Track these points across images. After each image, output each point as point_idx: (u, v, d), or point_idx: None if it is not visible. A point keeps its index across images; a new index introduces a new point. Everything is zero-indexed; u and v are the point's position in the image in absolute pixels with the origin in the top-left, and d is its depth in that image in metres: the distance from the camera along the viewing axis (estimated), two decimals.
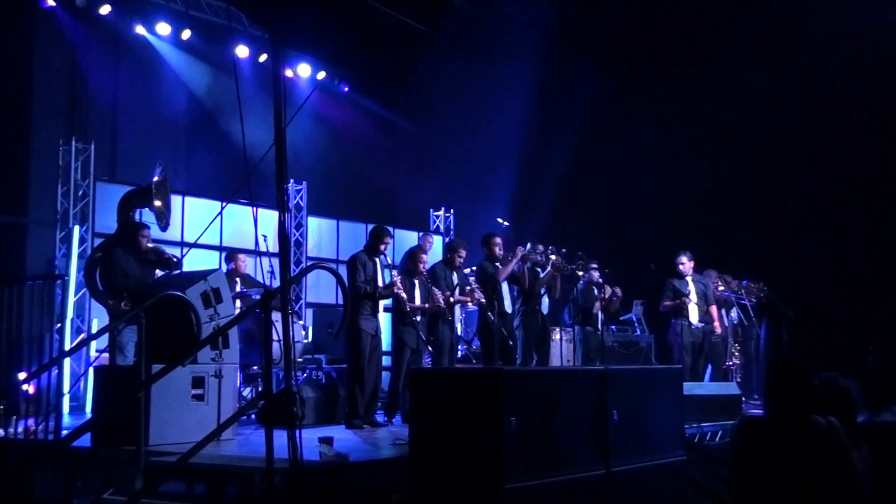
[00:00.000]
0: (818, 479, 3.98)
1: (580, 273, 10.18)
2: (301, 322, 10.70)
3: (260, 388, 8.27)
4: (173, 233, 10.76)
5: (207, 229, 9.08)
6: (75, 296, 10.30)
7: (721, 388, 9.12)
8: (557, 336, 11.07)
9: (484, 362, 9.45)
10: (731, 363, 11.23)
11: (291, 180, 12.91)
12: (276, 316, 5.67)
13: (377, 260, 8.39)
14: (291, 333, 4.61)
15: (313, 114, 13.84)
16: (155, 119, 12.37)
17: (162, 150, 11.83)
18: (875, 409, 4.80)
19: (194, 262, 10.14)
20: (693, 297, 10.26)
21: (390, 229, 8.93)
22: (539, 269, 9.68)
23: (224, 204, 10.29)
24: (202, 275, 7.08)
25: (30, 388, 6.82)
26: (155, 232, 8.65)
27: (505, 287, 9.32)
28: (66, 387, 9.06)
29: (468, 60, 13.95)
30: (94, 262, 8.33)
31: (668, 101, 13.63)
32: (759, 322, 11.80)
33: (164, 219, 8.56)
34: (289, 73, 13.31)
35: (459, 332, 10.50)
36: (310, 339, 10.23)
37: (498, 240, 9.42)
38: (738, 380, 11.03)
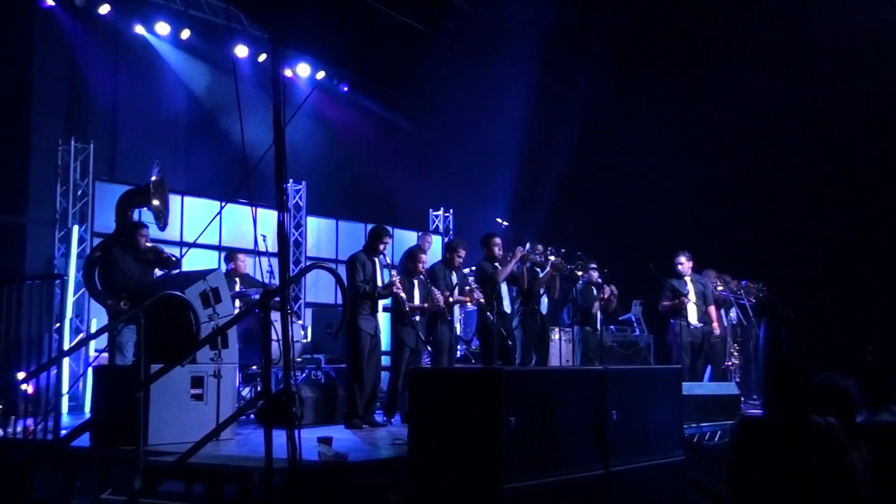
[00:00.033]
0: (817, 479, 3.98)
1: (579, 273, 10.18)
2: (300, 322, 10.70)
3: (259, 388, 8.30)
4: (172, 232, 10.76)
5: (207, 229, 9.10)
6: (74, 295, 10.29)
7: (720, 388, 9.12)
8: (556, 336, 11.07)
9: (483, 362, 9.44)
10: (729, 363, 11.23)
11: (291, 180, 12.91)
12: (276, 316, 5.68)
13: (376, 260, 8.39)
14: (290, 333, 4.60)
15: (313, 113, 13.84)
16: (154, 119, 12.37)
17: (161, 150, 11.82)
18: (874, 408, 4.80)
19: (193, 261, 10.15)
20: (692, 297, 10.26)
21: (389, 229, 8.93)
22: (538, 269, 9.68)
23: (223, 204, 10.30)
24: (201, 274, 7.08)
25: (29, 388, 6.82)
26: (154, 231, 8.65)
27: (504, 287, 9.32)
28: (65, 386, 9.06)
29: (468, 60, 13.95)
30: (93, 261, 8.32)
31: (667, 101, 13.63)
32: (758, 322, 11.81)
33: (162, 218, 8.56)
34: (288, 72, 13.30)
35: (458, 332, 10.50)
36: (309, 338, 10.23)
37: (497, 240, 9.43)
38: (737, 380, 11.03)
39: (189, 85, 12.84)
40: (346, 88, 14.66)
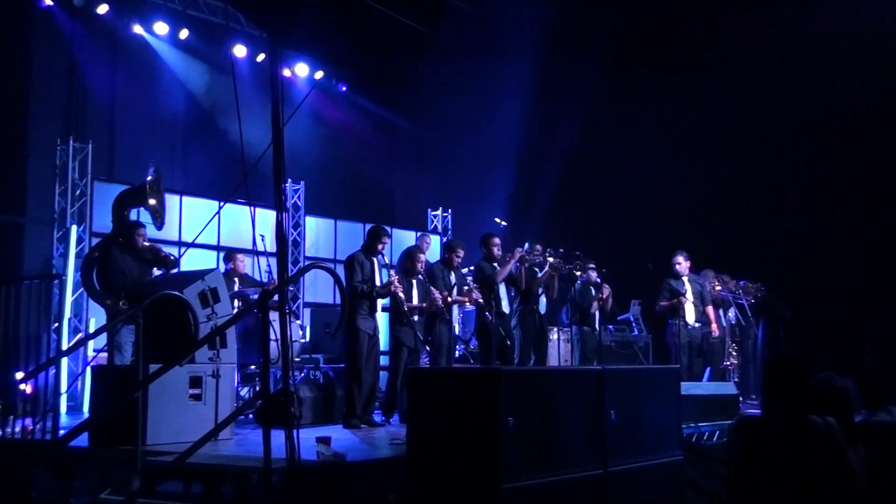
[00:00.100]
0: (815, 479, 3.98)
1: (578, 273, 10.18)
2: (299, 322, 10.70)
3: (257, 388, 8.29)
4: (171, 232, 10.76)
5: (205, 229, 9.09)
6: (73, 295, 10.29)
7: (718, 387, 9.12)
8: (555, 336, 11.07)
9: (482, 362, 9.45)
10: (728, 363, 11.24)
11: (289, 180, 12.90)
12: (274, 315, 5.68)
13: (375, 259, 8.39)
14: (289, 333, 4.60)
15: (311, 113, 13.85)
16: (152, 118, 12.37)
17: (159, 150, 11.82)
18: (872, 408, 4.81)
19: (192, 261, 10.14)
20: (689, 296, 10.27)
21: (388, 229, 8.94)
22: (536, 269, 9.68)
23: (222, 203, 10.30)
24: (200, 274, 7.08)
25: (27, 388, 6.81)
26: (152, 231, 8.65)
27: (502, 287, 9.32)
28: (64, 386, 9.07)
29: (467, 60, 13.96)
30: (91, 261, 8.33)
31: (666, 101, 13.63)
32: (756, 322, 11.82)
33: (159, 217, 8.57)
34: (287, 72, 13.30)
35: (457, 332, 10.50)
36: (307, 338, 10.23)
37: (497, 240, 9.43)
38: (736, 379, 11.04)
39: (187, 85, 12.84)
40: (344, 88, 14.67)
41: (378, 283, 8.33)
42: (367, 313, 8.22)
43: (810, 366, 4.27)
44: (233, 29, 12.83)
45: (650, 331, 12.30)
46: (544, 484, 4.86)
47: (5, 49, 10.74)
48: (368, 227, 8.98)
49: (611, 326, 11.90)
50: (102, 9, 11.60)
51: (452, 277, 9.09)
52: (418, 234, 13.20)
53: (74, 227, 10.49)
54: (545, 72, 13.83)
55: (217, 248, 11.54)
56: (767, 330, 11.93)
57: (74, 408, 9.68)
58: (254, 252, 9.49)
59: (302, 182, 13.24)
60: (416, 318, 8.51)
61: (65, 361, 9.40)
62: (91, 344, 9.56)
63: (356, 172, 14.90)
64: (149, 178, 8.46)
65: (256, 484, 5.00)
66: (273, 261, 9.36)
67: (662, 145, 13.68)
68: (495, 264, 9.27)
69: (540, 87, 13.90)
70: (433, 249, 12.50)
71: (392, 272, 8.48)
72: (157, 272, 8.20)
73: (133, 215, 8.78)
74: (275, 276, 8.46)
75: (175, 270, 8.40)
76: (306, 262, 12.97)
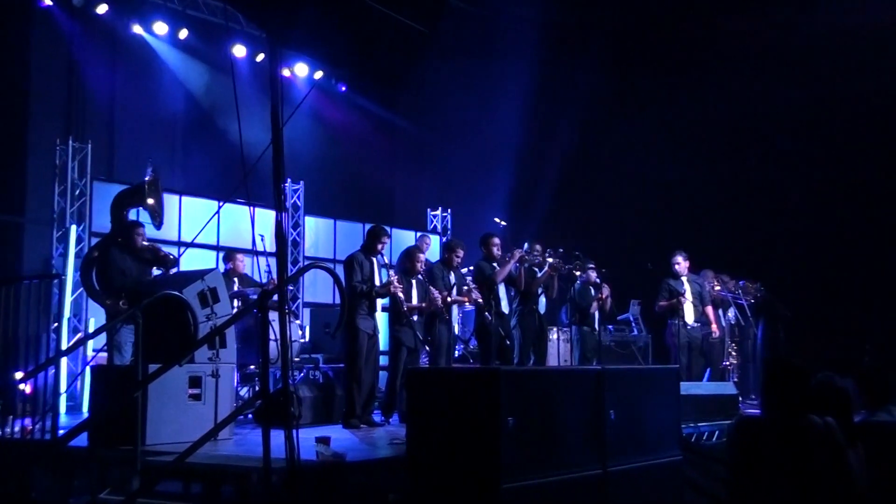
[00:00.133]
0: (815, 479, 3.98)
1: (577, 273, 10.18)
2: (298, 321, 10.70)
3: (257, 388, 8.29)
4: (170, 232, 10.76)
5: (204, 229, 9.09)
6: (72, 295, 10.29)
7: (718, 387, 9.12)
8: (555, 336, 11.07)
9: (481, 362, 9.45)
10: (727, 363, 11.24)
11: (289, 180, 12.90)
12: (274, 315, 5.68)
13: (374, 259, 8.39)
14: (288, 333, 4.60)
15: (311, 113, 13.84)
16: (152, 118, 12.37)
17: (159, 150, 11.82)
18: (871, 408, 4.80)
19: (191, 261, 10.14)
20: (688, 296, 10.27)
21: (387, 229, 8.93)
22: (536, 269, 9.68)
23: (221, 203, 10.31)
24: (199, 274, 7.08)
25: (27, 388, 6.81)
26: (151, 231, 8.65)
27: (502, 287, 9.32)
28: (63, 386, 9.08)
29: (466, 60, 13.96)
30: (90, 261, 8.33)
31: (666, 101, 13.63)
32: (755, 322, 11.82)
33: (158, 217, 8.57)
34: (286, 72, 13.31)
35: (457, 332, 10.50)
36: (307, 338, 10.23)
37: (496, 240, 9.43)
38: (735, 379, 11.04)
39: (187, 85, 12.84)
40: (344, 88, 14.67)
41: (377, 282, 8.33)
42: (366, 313, 8.22)
43: (810, 366, 4.27)
44: (232, 29, 12.83)
45: (649, 331, 12.31)
46: (544, 484, 4.86)
47: (5, 49, 10.74)
48: (368, 227, 8.98)
49: (610, 326, 11.90)
50: (102, 9, 11.60)
51: (452, 277, 9.09)
52: (418, 234, 13.21)
53: (74, 227, 10.49)
54: (545, 72, 13.83)
55: (216, 247, 11.54)
56: (767, 330, 11.93)
57: (74, 408, 9.67)
58: (253, 252, 9.49)
59: (301, 182, 13.23)
60: (415, 318, 8.51)
61: (64, 361, 9.40)
62: (90, 344, 9.56)
63: (356, 172, 14.90)
64: (147, 177, 8.46)
65: (256, 484, 5.00)
66: (272, 261, 9.37)
67: (662, 145, 13.68)
68: (495, 264, 9.27)
69: (540, 87, 13.90)
70: (433, 249, 12.50)
71: (391, 272, 8.48)
72: (156, 272, 8.21)
73: (132, 215, 8.79)
74: (274, 275, 8.46)
75: (174, 270, 8.40)
76: (306, 262, 12.96)
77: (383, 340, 8.84)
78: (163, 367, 5.41)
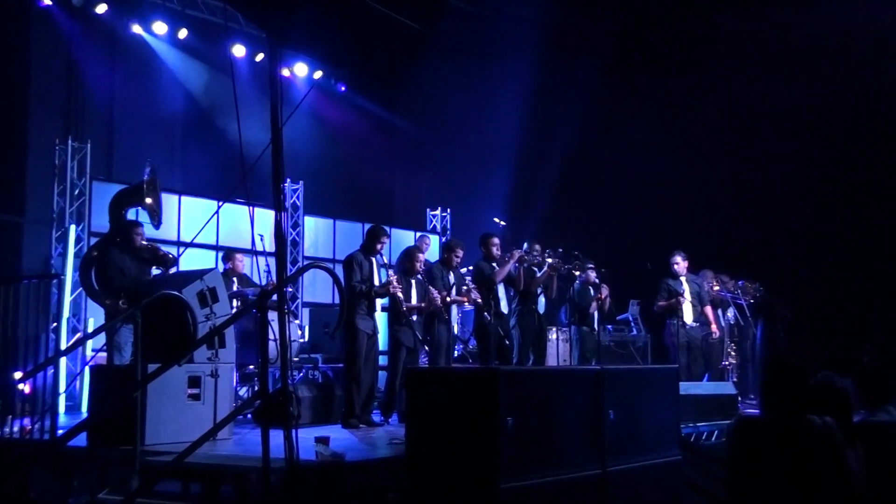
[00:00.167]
0: (814, 479, 3.98)
1: (577, 273, 10.18)
2: (297, 321, 10.70)
3: (256, 388, 8.29)
4: (170, 232, 10.76)
5: (204, 228, 9.09)
6: (71, 295, 10.29)
7: (717, 387, 9.13)
8: (554, 336, 11.07)
9: (480, 362, 9.45)
10: (727, 363, 11.24)
11: (288, 179, 12.89)
12: (273, 315, 5.68)
13: (374, 259, 8.39)
14: (288, 333, 4.60)
15: (310, 113, 13.83)
16: (151, 118, 12.36)
17: (158, 150, 11.83)
18: (871, 408, 4.80)
19: (191, 261, 10.14)
20: (687, 296, 10.28)
21: (387, 229, 8.93)
22: (535, 269, 9.68)
23: (221, 203, 10.30)
24: (198, 274, 7.08)
25: (26, 388, 6.81)
26: (150, 231, 8.65)
27: (501, 287, 9.32)
28: (63, 386, 9.08)
29: (466, 60, 13.95)
30: (90, 261, 8.32)
31: (665, 101, 13.63)
32: (755, 322, 11.82)
33: (156, 217, 8.57)
34: (285, 72, 13.30)
35: (456, 332, 10.50)
36: (306, 338, 10.23)
37: (496, 240, 9.43)
38: (735, 379, 11.04)
39: (186, 84, 12.83)
40: (343, 88, 14.66)
41: (377, 282, 8.33)
42: (365, 313, 8.22)
43: (809, 366, 4.27)
44: (232, 29, 12.83)
45: (649, 331, 12.31)
46: (543, 484, 4.87)
47: (4, 49, 10.73)
48: (367, 226, 8.98)
49: (609, 326, 11.90)
50: (101, 8, 11.59)
51: (451, 277, 9.09)
52: (417, 234, 13.21)
53: (73, 227, 10.49)
54: (545, 72, 13.82)
55: (216, 247, 11.54)
56: (766, 330, 11.93)
57: (73, 407, 9.67)
58: (253, 252, 9.49)
59: (301, 182, 13.23)
60: (414, 318, 8.51)
61: (63, 361, 9.40)
62: (90, 343, 9.56)
63: (355, 172, 14.89)
64: (145, 177, 8.47)
65: (255, 484, 5.00)
66: (272, 260, 9.37)
67: (662, 145, 13.67)
68: (494, 264, 9.27)
69: (539, 87, 13.89)
70: (433, 249, 12.51)
71: (391, 272, 8.48)
72: (155, 271, 8.21)
73: (131, 215, 8.79)
74: (273, 275, 8.46)
75: (174, 270, 8.40)
76: (305, 262, 12.96)
77: (383, 340, 8.84)
78: (162, 367, 5.41)
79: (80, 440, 5.90)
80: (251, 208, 8.16)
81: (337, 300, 11.05)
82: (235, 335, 7.46)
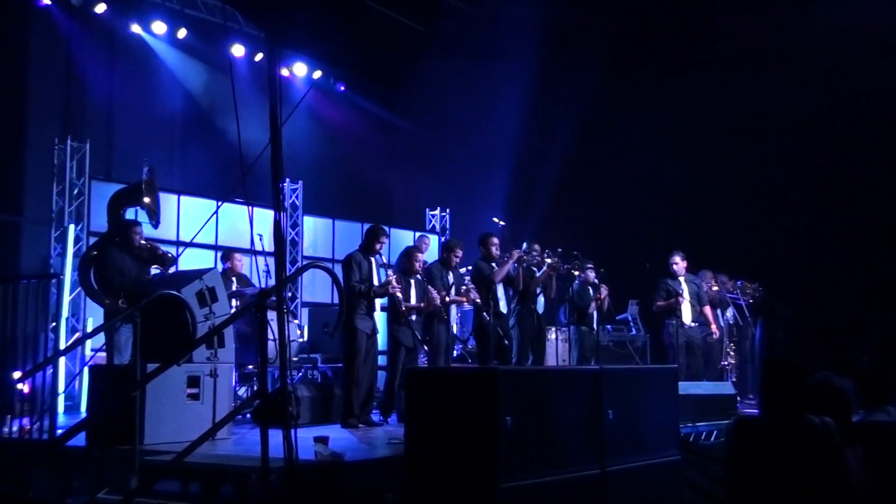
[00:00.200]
0: (813, 479, 3.98)
1: (576, 273, 10.18)
2: (297, 321, 10.70)
3: (255, 388, 8.29)
4: (169, 232, 10.76)
5: (203, 228, 9.09)
6: (70, 294, 10.29)
7: (716, 387, 9.13)
8: (553, 336, 11.07)
9: (480, 362, 9.44)
10: (726, 363, 11.24)
11: (287, 179, 12.89)
12: (272, 315, 5.68)
13: (373, 259, 8.39)
14: (287, 333, 4.60)
15: (309, 113, 13.84)
16: (150, 118, 12.35)
17: (157, 149, 11.82)
18: (870, 408, 4.80)
19: (190, 261, 10.14)
20: (686, 296, 10.28)
21: (386, 229, 8.93)
22: (535, 269, 9.68)
23: (220, 203, 10.30)
24: (198, 274, 7.08)
25: (24, 387, 6.81)
26: (148, 230, 8.65)
27: (500, 287, 9.31)
28: (61, 386, 9.07)
29: (465, 60, 13.94)
30: (89, 261, 8.32)
31: (665, 101, 13.63)
32: (754, 322, 11.82)
33: (155, 216, 8.57)
34: (285, 72, 13.30)
35: (455, 332, 10.50)
36: (305, 338, 10.23)
37: (495, 240, 9.42)
38: (734, 379, 11.04)
39: (185, 84, 12.83)
40: (342, 88, 14.66)
41: (376, 282, 8.33)
42: (364, 313, 8.22)
43: (808, 366, 4.27)
44: (231, 28, 12.82)
45: (648, 331, 12.31)
46: (542, 483, 4.86)
47: (3, 48, 10.72)
48: (366, 226, 8.98)
49: (609, 326, 11.90)
50: (100, 8, 11.59)
51: (450, 277, 9.09)
52: (417, 233, 13.21)
53: (72, 227, 10.48)
54: (545, 72, 13.82)
55: (215, 247, 11.54)
56: (765, 330, 11.92)
57: (72, 407, 9.66)
58: (252, 252, 9.49)
59: (300, 182, 13.23)
60: (414, 317, 8.51)
61: (62, 361, 9.39)
62: (89, 343, 9.56)
63: (354, 172, 14.89)
64: (143, 177, 8.47)
65: (254, 483, 5.00)
66: (271, 260, 9.37)
67: (661, 145, 13.68)
68: (493, 264, 9.26)
69: (539, 87, 13.89)
70: (432, 249, 12.51)
71: (390, 272, 8.48)
72: (155, 270, 8.21)
73: (130, 214, 8.79)
74: (272, 275, 8.46)
75: (173, 269, 8.40)
76: (304, 262, 12.96)
77: (382, 340, 8.84)
78: (161, 367, 5.41)
79: (80, 440, 5.90)
80: (250, 208, 8.12)
81: (336, 300, 11.06)
82: (235, 335, 7.46)
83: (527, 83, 13.81)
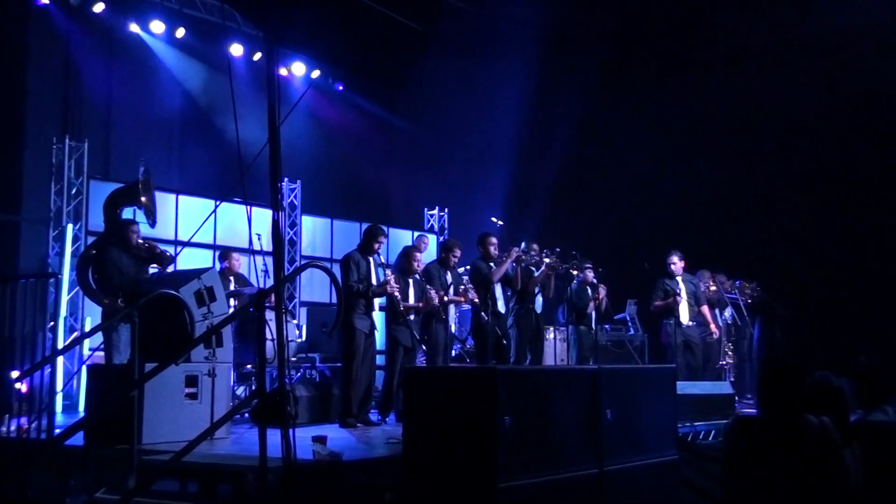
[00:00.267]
0: (810, 479, 3.98)
1: (574, 272, 10.18)
2: (295, 321, 10.69)
3: (253, 387, 8.29)
4: (167, 231, 10.76)
5: (201, 228, 9.09)
6: (68, 294, 10.28)
7: (714, 387, 9.13)
8: (551, 335, 11.08)
9: (478, 361, 9.45)
10: (724, 362, 11.25)
11: (286, 179, 12.89)
12: (270, 315, 5.68)
13: (371, 259, 8.39)
14: (285, 332, 4.59)
15: (308, 112, 13.82)
16: (149, 117, 12.34)
17: (156, 149, 11.81)
18: (867, 408, 4.81)
19: (188, 260, 10.14)
20: (683, 296, 10.29)
21: (384, 228, 8.93)
22: (533, 269, 9.68)
23: (218, 202, 10.30)
24: (196, 273, 7.07)
25: (22, 387, 6.80)
26: (146, 230, 8.65)
27: (498, 286, 9.31)
28: (59, 385, 9.06)
29: (464, 60, 13.95)
30: (87, 260, 8.32)
31: (663, 101, 13.63)
32: (752, 321, 11.82)
33: (151, 215, 8.57)
34: (283, 71, 13.28)
35: (453, 332, 10.50)
36: (304, 337, 10.23)
37: (494, 239, 9.42)
38: (732, 379, 11.05)
39: (184, 84, 12.81)
40: (341, 87, 14.65)
41: (374, 282, 8.33)
42: (363, 312, 8.22)
43: (806, 365, 4.27)
44: (229, 28, 12.80)
45: (646, 330, 12.31)
46: (540, 483, 4.86)
47: (1, 47, 10.71)
48: (365, 226, 8.98)
49: (607, 326, 11.91)
50: (99, 7, 11.57)
51: (449, 277, 9.09)
52: (415, 233, 13.21)
53: (70, 226, 10.48)
54: (544, 72, 13.82)
55: (213, 247, 11.53)
56: (763, 330, 11.93)
57: (70, 406, 9.66)
58: (250, 251, 9.49)
59: (298, 181, 13.23)
60: (412, 317, 8.51)
61: (60, 360, 9.39)
62: (87, 342, 9.56)
63: (353, 171, 14.88)
64: (140, 176, 8.47)
65: (252, 483, 5.00)
66: (269, 260, 9.37)
67: (660, 145, 13.69)
68: (492, 264, 9.26)
69: (538, 88, 13.90)
70: (430, 249, 12.51)
71: (388, 271, 8.48)
72: (153, 269, 8.21)
73: (127, 214, 8.79)
74: (271, 275, 8.46)
75: (171, 269, 8.40)
76: (303, 262, 12.95)
77: (380, 339, 8.84)
78: (159, 366, 5.40)
79: (78, 439, 5.90)
80: (248, 207, 8.13)
81: (334, 299, 11.06)
82: (233, 334, 7.46)
83: (526, 83, 13.81)
